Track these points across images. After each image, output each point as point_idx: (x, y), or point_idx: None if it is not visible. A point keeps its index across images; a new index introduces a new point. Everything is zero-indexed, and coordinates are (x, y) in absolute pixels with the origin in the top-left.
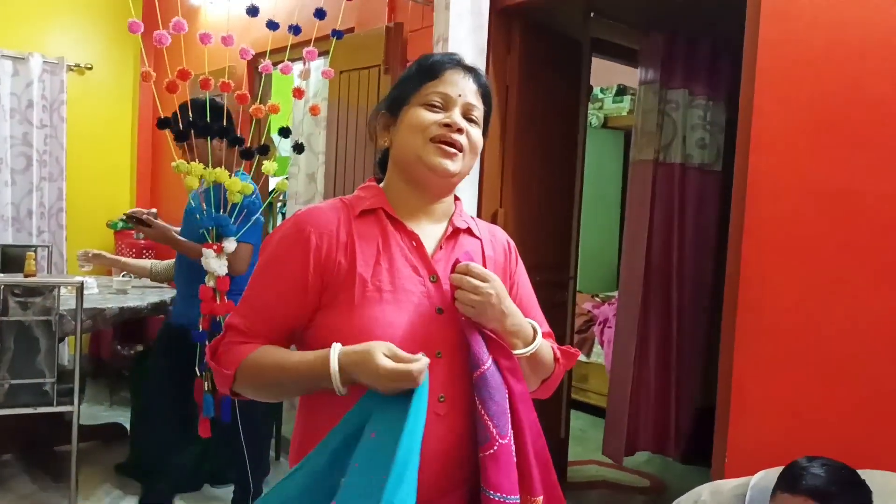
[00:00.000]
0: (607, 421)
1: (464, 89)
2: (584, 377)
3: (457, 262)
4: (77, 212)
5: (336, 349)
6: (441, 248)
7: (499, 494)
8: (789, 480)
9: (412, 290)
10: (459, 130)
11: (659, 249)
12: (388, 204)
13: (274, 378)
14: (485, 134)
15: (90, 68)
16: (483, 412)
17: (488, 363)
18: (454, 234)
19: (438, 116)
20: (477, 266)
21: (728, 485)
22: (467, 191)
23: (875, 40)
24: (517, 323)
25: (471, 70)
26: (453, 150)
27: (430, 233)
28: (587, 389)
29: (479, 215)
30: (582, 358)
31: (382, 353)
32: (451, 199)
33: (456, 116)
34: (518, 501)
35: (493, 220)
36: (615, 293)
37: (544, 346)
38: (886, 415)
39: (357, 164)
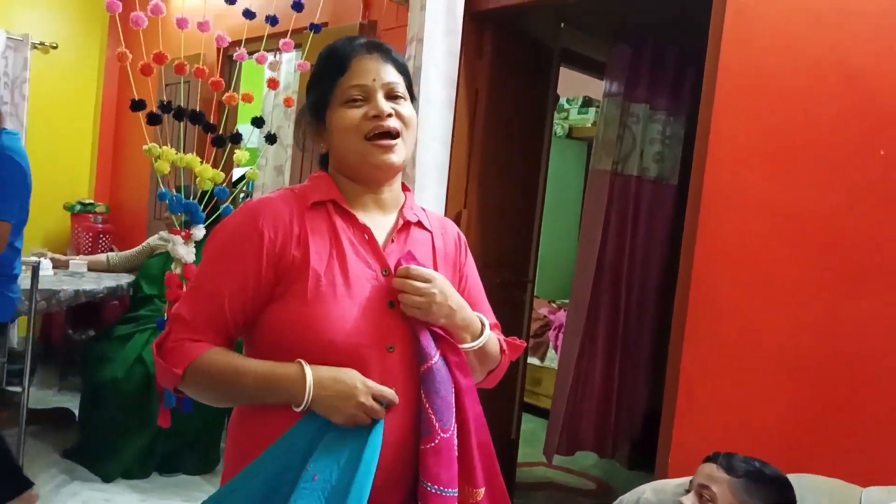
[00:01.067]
0: (549, 421)
1: (377, 72)
2: (537, 381)
3: (398, 265)
4: (34, 192)
5: (305, 364)
6: (392, 241)
7: (436, 487)
8: (710, 455)
9: (364, 284)
10: (389, 115)
11: (611, 256)
12: (340, 196)
13: (227, 382)
14: (413, 100)
15: (55, 47)
16: (427, 406)
17: (436, 358)
18: (405, 226)
19: (363, 110)
20: (417, 268)
21: (671, 483)
22: (434, 190)
23: (829, 62)
24: (466, 317)
25: (376, 48)
26: (392, 142)
27: (381, 225)
28: (539, 393)
29: (445, 215)
30: (536, 362)
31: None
32: (399, 188)
33: (381, 104)
34: (456, 494)
35: (457, 221)
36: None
37: (492, 338)
38: (824, 419)
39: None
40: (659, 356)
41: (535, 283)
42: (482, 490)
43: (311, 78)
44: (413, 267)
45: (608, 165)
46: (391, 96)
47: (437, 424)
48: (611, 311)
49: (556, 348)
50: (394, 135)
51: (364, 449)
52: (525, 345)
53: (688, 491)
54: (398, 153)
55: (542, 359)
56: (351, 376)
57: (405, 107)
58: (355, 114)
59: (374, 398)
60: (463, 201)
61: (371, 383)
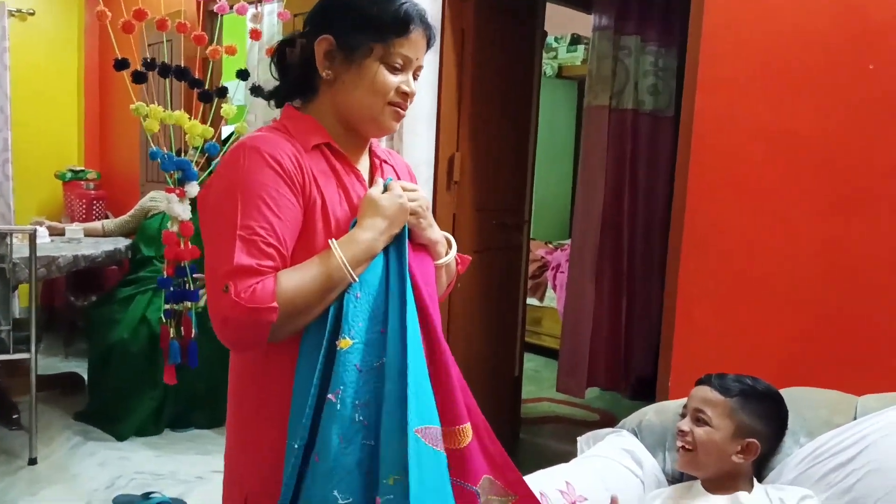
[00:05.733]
0: (561, 360)
1: (420, 51)
2: (537, 320)
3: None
4: (24, 162)
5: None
6: (374, 181)
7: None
8: (702, 378)
9: None
10: (412, 95)
11: (612, 194)
12: (332, 139)
13: (309, 292)
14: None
15: (32, 14)
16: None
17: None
18: (380, 166)
19: (399, 80)
20: (403, 182)
21: (672, 404)
22: (425, 135)
23: None
24: (438, 232)
25: (428, 27)
26: (404, 113)
27: (362, 165)
28: (540, 332)
29: (436, 158)
30: (535, 302)
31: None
32: None
33: (413, 83)
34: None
35: (450, 164)
36: (567, 240)
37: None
38: (822, 338)
39: None
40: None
41: (531, 224)
42: (468, 424)
43: (361, 9)
44: (399, 182)
45: (604, 101)
46: (414, 76)
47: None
48: (615, 249)
49: (554, 288)
50: (405, 108)
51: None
52: (469, 259)
53: (683, 415)
54: (400, 122)
55: (541, 299)
56: (370, 195)
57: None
58: (392, 80)
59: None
60: (455, 144)
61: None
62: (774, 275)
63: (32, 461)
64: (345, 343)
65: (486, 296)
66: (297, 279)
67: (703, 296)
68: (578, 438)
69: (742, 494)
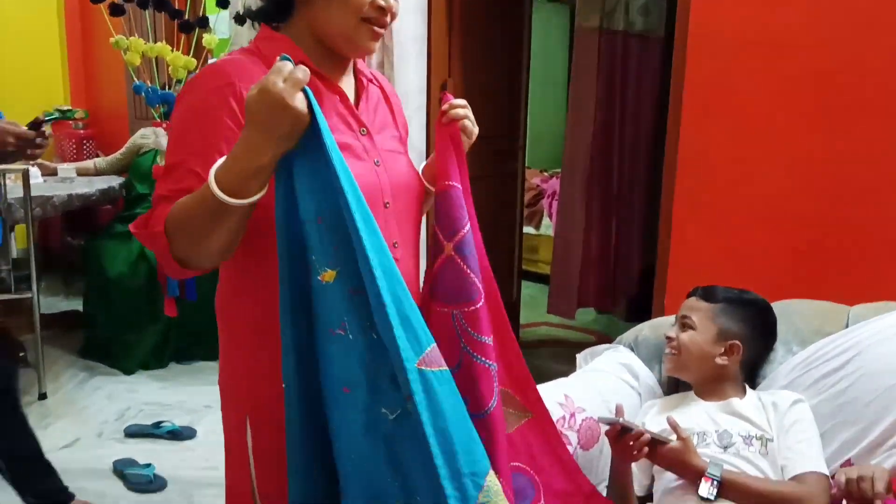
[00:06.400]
0: (552, 282)
1: None
2: (534, 248)
3: (444, 97)
4: (8, 105)
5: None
6: (361, 98)
7: (488, 338)
8: (693, 290)
9: (351, 144)
10: (390, 11)
11: (602, 118)
12: (310, 60)
13: (195, 216)
14: None
15: None
16: (468, 271)
17: (468, 225)
18: (366, 85)
19: None
20: (456, 100)
21: (667, 320)
22: (416, 63)
23: None
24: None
25: None
26: (382, 31)
27: (346, 85)
28: (537, 260)
29: (428, 85)
30: (531, 230)
31: None
32: None
33: None
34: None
35: (442, 90)
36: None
37: None
38: (815, 251)
39: None
40: (652, 213)
41: (525, 150)
42: (491, 338)
43: None
44: (454, 100)
45: (595, 22)
46: None
47: (480, 285)
48: (605, 172)
49: (550, 216)
50: (385, 24)
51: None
52: None
53: (674, 325)
54: (379, 41)
55: (537, 227)
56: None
57: (397, 4)
58: None
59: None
60: (447, 71)
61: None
62: (767, 191)
63: (42, 396)
64: (328, 276)
65: (482, 223)
66: (183, 203)
67: (696, 215)
68: (577, 355)
69: (734, 400)
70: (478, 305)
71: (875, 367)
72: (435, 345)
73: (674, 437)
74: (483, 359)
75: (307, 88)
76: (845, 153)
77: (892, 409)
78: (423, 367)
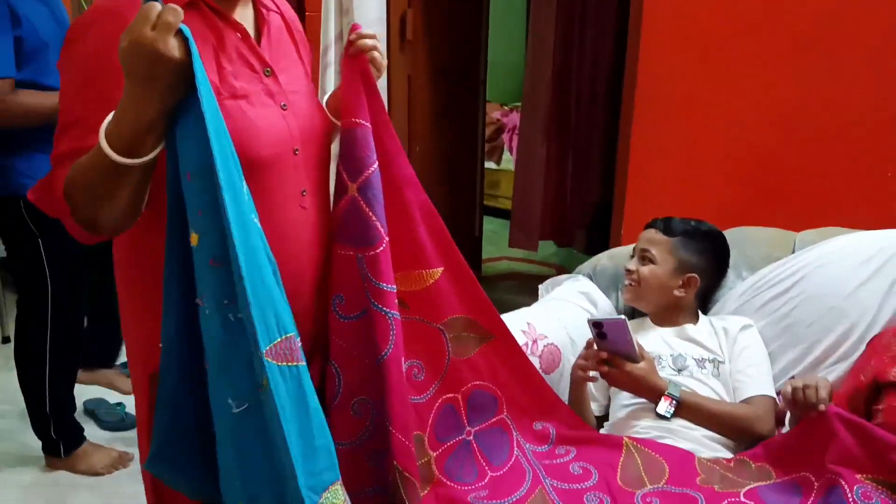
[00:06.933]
0: (513, 216)
1: None
2: (495, 183)
3: (353, 28)
4: None
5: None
6: (262, 33)
7: (388, 285)
8: (650, 221)
9: (257, 88)
10: None
11: (562, 52)
12: None
13: (90, 177)
14: None
15: None
16: (370, 213)
17: (374, 165)
18: (266, 15)
19: None
20: (363, 30)
21: (623, 250)
22: None
23: None
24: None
25: None
26: None
27: (245, 18)
28: (498, 195)
29: (387, 16)
30: (492, 165)
31: None
32: None
33: None
34: (395, 289)
35: (402, 21)
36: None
37: None
38: (765, 180)
39: None
40: (610, 147)
41: (486, 84)
42: (439, 269)
43: None
44: (360, 30)
45: None
46: None
47: (382, 230)
48: (564, 107)
49: (510, 150)
50: None
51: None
52: None
53: (633, 257)
54: None
55: (497, 162)
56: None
57: None
58: None
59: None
60: (407, 1)
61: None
62: (721, 123)
63: (6, 339)
64: (194, 238)
65: (444, 158)
66: (80, 164)
67: (653, 147)
68: (539, 286)
69: (688, 326)
70: (378, 250)
71: (817, 290)
72: (290, 336)
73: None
74: (379, 305)
75: (184, 28)
76: (795, 88)
77: (833, 329)
78: (269, 359)
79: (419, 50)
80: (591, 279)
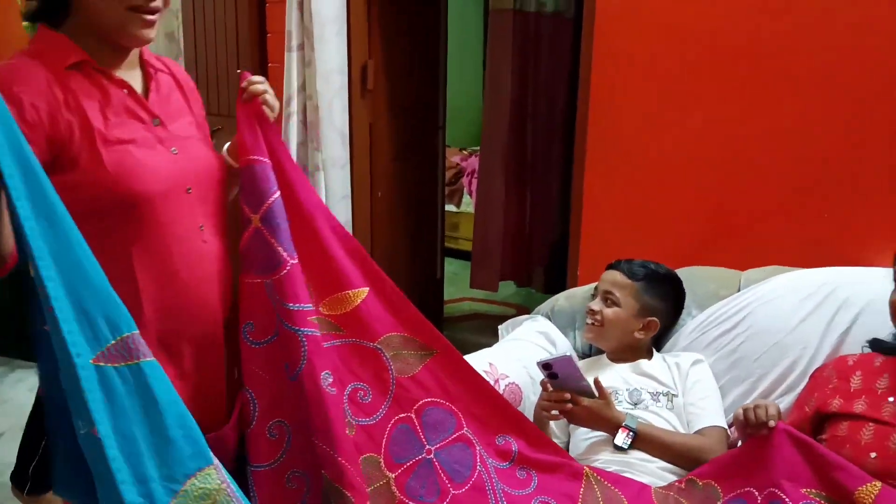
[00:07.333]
0: (474, 257)
1: None
2: (455, 226)
3: (243, 76)
4: None
5: None
6: (150, 89)
7: (297, 305)
8: (612, 263)
9: (144, 136)
10: None
11: (518, 96)
12: (90, 56)
13: None
14: None
15: None
16: (273, 240)
17: (276, 195)
18: (154, 75)
19: None
20: (253, 77)
21: (580, 290)
22: (336, 43)
23: None
24: None
25: None
26: (153, 18)
27: (133, 77)
28: (458, 237)
29: (349, 66)
30: (452, 208)
31: None
32: None
33: None
34: (311, 308)
35: (363, 72)
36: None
37: None
38: (713, 219)
39: (218, 21)
40: (566, 189)
41: (445, 129)
42: (365, 289)
43: None
44: (251, 77)
45: (507, 4)
46: None
47: (285, 254)
48: (521, 149)
49: (470, 194)
50: (156, 10)
51: None
52: None
53: (594, 296)
54: (155, 28)
55: (458, 205)
56: None
57: None
58: None
59: None
60: (367, 52)
61: None
62: (670, 164)
63: None
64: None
65: (405, 202)
66: None
67: (606, 188)
68: (499, 326)
69: (643, 362)
70: (282, 273)
71: (762, 326)
72: (127, 336)
73: (597, 394)
74: (289, 325)
75: None
76: (738, 134)
77: (778, 363)
78: (101, 364)
79: (379, 98)
80: (549, 319)
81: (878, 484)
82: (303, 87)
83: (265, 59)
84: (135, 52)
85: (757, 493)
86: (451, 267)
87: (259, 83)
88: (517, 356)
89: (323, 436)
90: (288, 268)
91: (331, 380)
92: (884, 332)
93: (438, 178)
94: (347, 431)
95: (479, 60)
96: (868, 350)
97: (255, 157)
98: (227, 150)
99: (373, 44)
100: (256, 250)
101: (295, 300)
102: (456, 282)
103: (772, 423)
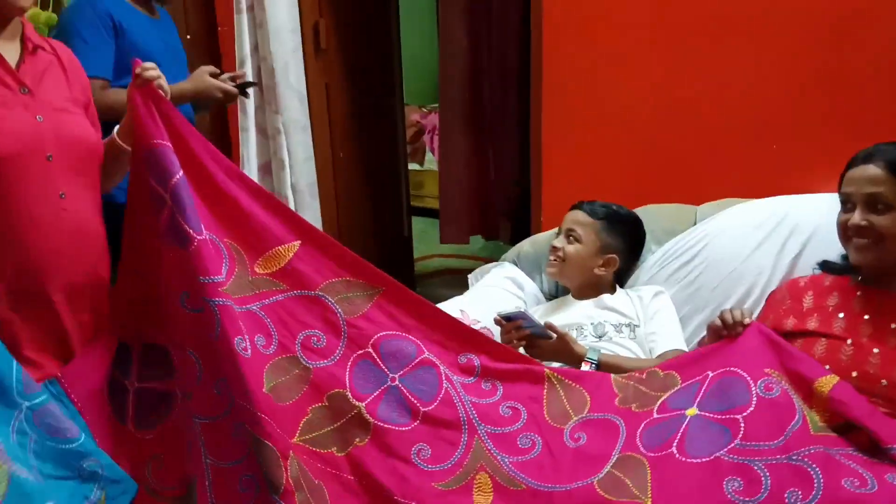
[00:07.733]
0: (442, 213)
1: None
2: (419, 184)
3: (135, 63)
4: None
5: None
6: (24, 62)
7: (207, 278)
8: (575, 203)
9: (8, 101)
10: None
11: (473, 50)
12: None
13: None
14: None
15: None
16: (180, 218)
17: (178, 175)
18: (33, 49)
19: None
20: (146, 63)
21: (544, 235)
22: (286, 2)
23: None
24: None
25: None
26: None
27: (9, 50)
28: (423, 195)
29: (301, 26)
30: (416, 167)
31: None
32: (17, 20)
33: None
34: (223, 279)
35: (315, 31)
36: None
37: None
38: (666, 159)
39: None
40: (526, 139)
41: (402, 85)
42: (296, 242)
43: None
44: (145, 63)
45: None
46: None
47: (191, 232)
48: (479, 104)
49: (432, 151)
50: None
51: None
52: None
53: (558, 235)
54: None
55: (421, 163)
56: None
57: None
58: None
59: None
60: (318, 11)
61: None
62: (622, 108)
63: None
64: None
65: (368, 162)
66: None
67: (563, 135)
68: (469, 275)
69: (606, 297)
70: (190, 249)
71: (718, 256)
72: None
73: (554, 336)
74: (203, 296)
75: None
76: (687, 75)
77: (735, 291)
78: None
79: (334, 57)
80: (515, 265)
81: (836, 377)
82: (255, 49)
83: (214, 23)
84: (16, 28)
85: (711, 374)
86: (419, 225)
87: (151, 69)
88: (488, 302)
89: (242, 395)
90: (195, 243)
91: (244, 344)
92: (832, 254)
93: (399, 136)
94: (265, 390)
95: (434, 16)
96: (818, 272)
97: (157, 142)
98: (118, 131)
99: (323, 2)
100: (172, 227)
101: (205, 273)
102: (425, 239)
103: (747, 321)
